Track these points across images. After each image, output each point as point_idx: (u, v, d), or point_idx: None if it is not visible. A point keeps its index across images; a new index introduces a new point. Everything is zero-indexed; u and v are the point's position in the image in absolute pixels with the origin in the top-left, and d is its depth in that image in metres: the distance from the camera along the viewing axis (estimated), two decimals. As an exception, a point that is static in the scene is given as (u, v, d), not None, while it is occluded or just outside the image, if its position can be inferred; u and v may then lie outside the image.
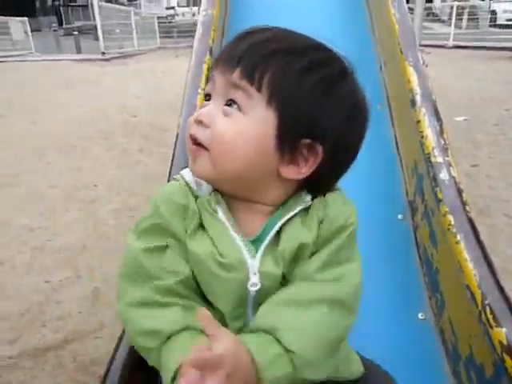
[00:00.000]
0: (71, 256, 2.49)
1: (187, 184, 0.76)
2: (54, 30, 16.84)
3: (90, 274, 2.32)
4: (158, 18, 18.30)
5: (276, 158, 0.69)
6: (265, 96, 0.67)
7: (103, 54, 12.71)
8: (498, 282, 0.95)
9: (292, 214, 0.72)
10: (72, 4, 33.16)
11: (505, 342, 0.84)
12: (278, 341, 0.65)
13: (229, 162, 0.68)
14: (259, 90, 0.67)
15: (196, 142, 0.70)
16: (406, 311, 1.28)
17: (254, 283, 0.70)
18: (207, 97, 0.73)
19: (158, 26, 17.23)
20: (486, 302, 0.92)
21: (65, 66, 10.99)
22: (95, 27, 13.75)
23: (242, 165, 0.68)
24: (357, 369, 0.82)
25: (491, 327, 0.88)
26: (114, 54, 13.11)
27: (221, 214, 0.72)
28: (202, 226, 0.73)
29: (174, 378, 0.64)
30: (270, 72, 0.67)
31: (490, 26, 16.56)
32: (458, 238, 1.08)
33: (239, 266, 0.70)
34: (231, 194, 0.74)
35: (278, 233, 0.72)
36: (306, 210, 0.74)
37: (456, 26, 13.87)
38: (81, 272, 2.34)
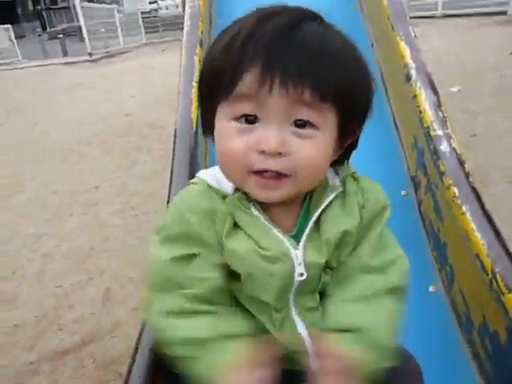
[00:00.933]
0: (80, 259, 2.51)
1: (210, 186, 0.74)
2: (39, 35, 16.73)
3: (99, 276, 2.34)
4: (142, 13, 18.08)
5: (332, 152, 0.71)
6: (331, 105, 0.65)
7: (90, 54, 12.61)
8: (506, 249, 0.96)
9: (327, 201, 0.73)
10: (54, 7, 32.82)
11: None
12: (366, 338, 0.69)
13: (315, 180, 0.70)
14: (326, 101, 0.64)
15: (274, 174, 0.66)
16: (416, 285, 1.28)
17: (301, 273, 0.71)
18: (247, 117, 0.66)
19: (143, 22, 17.03)
20: (497, 270, 0.93)
21: (53, 70, 10.91)
22: (79, 28, 13.64)
23: (322, 177, 0.71)
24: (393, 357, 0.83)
25: (503, 294, 0.90)
26: (100, 53, 13.01)
27: (255, 211, 0.72)
28: (237, 225, 0.72)
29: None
30: (335, 79, 0.64)
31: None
32: (464, 209, 1.08)
33: (284, 258, 0.70)
34: None
35: (316, 221, 0.73)
36: (339, 194, 0.75)
37: (443, -5, 13.70)
38: (91, 274, 2.36)
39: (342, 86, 0.64)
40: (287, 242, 0.71)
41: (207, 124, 0.74)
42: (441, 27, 10.18)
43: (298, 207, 0.74)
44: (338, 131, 0.68)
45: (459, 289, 1.17)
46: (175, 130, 1.36)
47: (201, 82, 0.73)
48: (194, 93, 1.45)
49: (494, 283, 0.92)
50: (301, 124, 0.64)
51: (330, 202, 0.73)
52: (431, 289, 1.27)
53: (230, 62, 0.64)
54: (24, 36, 24.87)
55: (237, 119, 0.66)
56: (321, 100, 0.63)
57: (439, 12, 12.57)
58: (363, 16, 2.02)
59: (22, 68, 12.00)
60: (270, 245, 0.70)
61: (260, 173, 0.66)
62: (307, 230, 0.72)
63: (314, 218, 0.72)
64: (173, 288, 0.71)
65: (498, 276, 0.92)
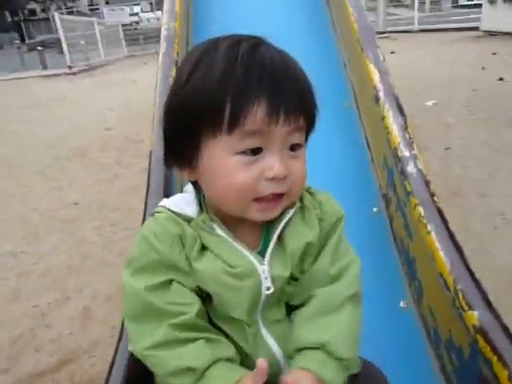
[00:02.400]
0: (58, 278, 2.49)
1: (174, 212, 0.76)
2: (18, 47, 16.53)
3: (78, 294, 2.32)
4: (123, 25, 18.09)
5: None
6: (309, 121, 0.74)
7: (70, 67, 12.53)
8: (468, 267, 1.01)
9: (288, 217, 0.77)
10: (33, 18, 32.53)
11: (477, 324, 0.89)
12: (329, 354, 0.72)
13: (300, 193, 0.78)
14: (308, 121, 0.74)
15: (276, 196, 0.71)
16: (388, 301, 1.33)
17: (268, 287, 0.74)
18: (253, 150, 0.68)
19: (124, 34, 17.04)
20: (458, 287, 0.97)
21: (32, 83, 10.82)
22: (59, 40, 13.53)
23: None
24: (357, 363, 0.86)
25: (464, 311, 0.94)
26: (80, 66, 12.93)
27: (219, 230, 0.74)
28: (204, 246, 0.74)
29: None
30: (314, 103, 0.74)
31: (453, 7, 16.87)
32: (429, 228, 1.13)
33: (251, 274, 0.73)
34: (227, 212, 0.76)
35: (279, 237, 0.77)
36: (298, 209, 0.79)
37: (419, 10, 14.07)
38: (68, 293, 2.34)
39: (314, 105, 0.74)
40: (253, 259, 0.74)
41: (176, 155, 0.75)
42: (417, 42, 10.44)
43: (260, 224, 0.77)
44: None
45: (427, 304, 1.21)
46: (150, 152, 1.38)
47: (180, 111, 0.71)
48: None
49: (457, 300, 0.96)
50: (293, 147, 0.71)
51: (290, 218, 0.77)
52: (402, 304, 1.31)
53: (232, 96, 0.66)
54: (1, 47, 24.59)
55: (241, 153, 0.68)
56: (307, 122, 0.72)
57: (415, 27, 12.90)
58: (337, 37, 2.08)
59: None
60: (236, 262, 0.73)
61: (262, 198, 0.70)
62: (271, 245, 0.76)
63: (277, 233, 0.76)
64: (155, 317, 0.71)
65: (459, 293, 0.96)
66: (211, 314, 0.78)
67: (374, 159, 1.64)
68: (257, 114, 0.65)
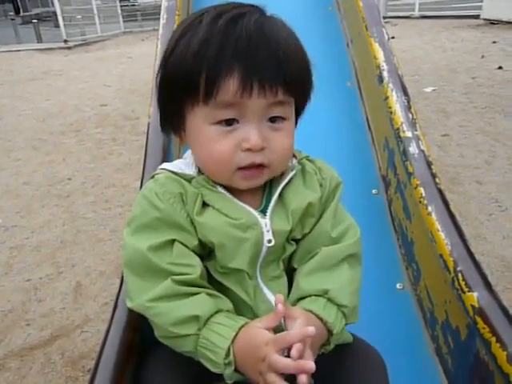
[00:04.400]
0: (50, 252, 2.47)
1: (174, 173, 0.79)
2: (12, 19, 16.17)
3: (70, 270, 2.30)
4: (121, 1, 17.72)
5: None
6: (293, 95, 0.74)
7: (65, 41, 12.28)
8: (468, 249, 1.00)
9: (288, 178, 0.80)
10: (28, -10, 31.76)
11: (476, 306, 0.89)
12: (330, 300, 0.76)
13: (286, 165, 0.79)
14: (292, 95, 0.74)
15: (256, 165, 0.73)
16: (384, 283, 1.33)
17: (270, 239, 0.76)
18: (228, 121, 0.71)
19: (121, 10, 16.70)
20: (458, 269, 0.97)
21: (26, 56, 10.60)
22: (55, 14, 13.24)
23: (289, 161, 0.81)
24: (348, 335, 0.86)
25: (464, 292, 0.93)
26: (76, 41, 12.68)
27: (220, 188, 0.77)
28: (205, 203, 0.77)
29: (227, 355, 0.68)
30: (299, 76, 0.74)
31: (454, -6, 16.68)
32: (430, 209, 1.12)
33: (253, 226, 0.76)
34: None
35: (280, 196, 0.80)
36: (299, 173, 0.83)
37: (421, -4, 13.89)
38: (61, 268, 2.32)
39: (301, 78, 0.74)
40: (254, 212, 0.77)
41: (169, 122, 0.80)
42: (418, 28, 10.34)
43: (261, 188, 0.81)
44: (294, 116, 0.78)
45: (425, 286, 1.21)
46: (148, 124, 1.35)
47: (165, 83, 0.75)
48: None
49: (456, 282, 0.96)
50: (274, 119, 0.72)
51: (291, 180, 0.81)
52: (398, 286, 1.30)
53: (207, 69, 0.68)
54: (-4, 20, 24.04)
55: (217, 123, 0.71)
56: (290, 96, 0.72)
57: (416, 13, 12.76)
58: (340, 16, 2.04)
59: (-7, 53, 11.61)
60: (239, 215, 0.76)
61: (245, 167, 0.73)
62: (272, 203, 0.79)
63: (277, 193, 0.79)
64: (159, 274, 0.73)
65: (459, 275, 0.96)
66: (212, 270, 0.79)
67: (374, 141, 1.62)
68: (230, 86, 0.68)
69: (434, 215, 1.09)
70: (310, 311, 0.74)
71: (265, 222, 0.77)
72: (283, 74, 0.69)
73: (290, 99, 0.73)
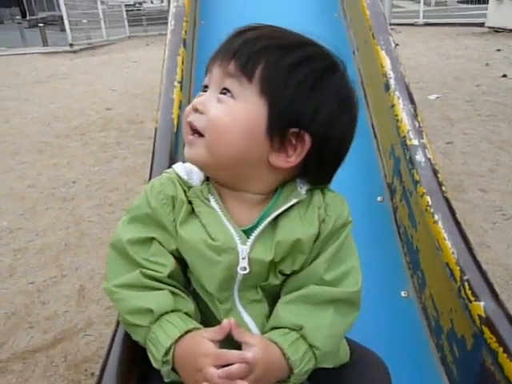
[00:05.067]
0: (54, 255, 2.47)
1: (178, 175, 0.80)
2: (18, 23, 16.28)
3: (74, 273, 2.30)
4: (126, 5, 17.85)
5: (266, 145, 0.73)
6: (256, 87, 0.72)
7: (71, 45, 12.35)
8: (475, 258, 1.00)
9: (287, 206, 0.76)
10: (35, -6, 31.99)
11: (483, 315, 0.89)
12: (303, 337, 0.72)
13: (222, 146, 0.72)
14: (251, 81, 0.72)
15: (193, 129, 0.75)
16: (389, 290, 1.32)
17: (243, 267, 0.75)
18: (205, 88, 0.77)
19: (127, 15, 16.80)
20: (465, 278, 0.96)
21: (32, 59, 10.67)
22: (61, 18, 13.32)
23: (234, 150, 0.72)
24: (345, 354, 0.86)
25: (470, 301, 0.93)
26: (82, 45, 12.75)
27: (213, 202, 0.76)
28: (194, 214, 0.77)
29: (166, 354, 0.70)
30: (261, 65, 0.72)
31: (459, 2, 16.74)
32: (436, 217, 1.12)
33: (229, 250, 0.74)
34: (223, 182, 0.78)
35: (275, 222, 0.76)
36: (303, 204, 0.78)
37: (425, 4, 13.95)
38: (65, 271, 2.32)
39: (267, 70, 0.71)
40: (236, 236, 0.75)
41: None
42: (422, 35, 10.37)
43: (260, 207, 0.78)
44: (267, 123, 0.72)
45: (430, 294, 1.20)
46: (156, 129, 1.35)
47: None
48: (175, 93, 1.45)
49: (463, 291, 0.96)
50: (223, 93, 0.73)
51: (291, 208, 0.77)
52: (403, 294, 1.30)
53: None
54: (2, 22, 24.25)
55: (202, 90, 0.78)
56: (242, 73, 0.72)
57: (420, 20, 12.80)
58: (346, 24, 2.04)
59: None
60: (218, 236, 0.75)
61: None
62: (261, 227, 0.76)
63: (269, 218, 0.76)
64: (130, 265, 0.77)
65: (466, 284, 0.95)
66: (191, 280, 0.81)
67: (379, 148, 1.62)
68: (212, 59, 0.77)
69: (440, 224, 1.09)
70: (276, 343, 0.71)
71: (242, 249, 0.74)
72: (243, 51, 0.73)
73: (242, 77, 0.72)
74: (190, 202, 0.78)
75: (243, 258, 0.74)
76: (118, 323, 0.87)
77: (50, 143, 4.37)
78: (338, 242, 0.78)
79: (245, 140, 0.72)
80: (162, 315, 0.73)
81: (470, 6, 15.09)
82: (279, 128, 0.72)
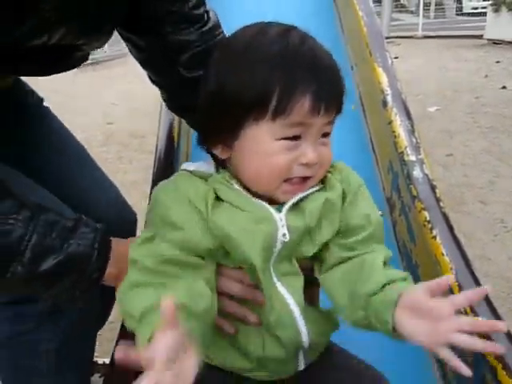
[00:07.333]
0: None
1: (192, 172, 0.79)
2: (22, 39, 16.45)
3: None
4: (128, 21, 18.03)
5: None
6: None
7: (74, 60, 12.48)
8: (473, 274, 1.00)
9: (310, 191, 0.77)
10: (38, 11, 32.39)
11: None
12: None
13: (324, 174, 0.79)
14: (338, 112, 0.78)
15: (302, 177, 0.75)
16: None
17: (284, 234, 0.75)
18: (294, 138, 0.73)
19: (129, 30, 16.98)
20: (463, 294, 0.97)
21: (35, 75, 10.77)
22: (64, 34, 13.44)
23: None
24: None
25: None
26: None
27: (237, 186, 0.77)
28: (220, 199, 0.76)
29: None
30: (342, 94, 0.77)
31: (457, 14, 16.94)
32: (434, 233, 1.13)
33: (268, 218, 0.75)
34: None
35: (295, 204, 0.77)
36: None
37: (424, 16, 14.09)
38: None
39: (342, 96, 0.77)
40: (269, 207, 0.76)
41: (215, 132, 0.78)
42: (421, 47, 10.46)
43: None
44: None
45: (429, 309, 1.20)
46: (156, 146, 1.37)
47: (223, 100, 0.75)
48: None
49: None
50: (325, 135, 0.76)
51: (312, 193, 0.78)
52: (403, 309, 1.30)
53: (281, 88, 0.70)
54: (6, 39, 24.47)
55: (283, 139, 0.72)
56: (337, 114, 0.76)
57: (419, 33, 12.91)
58: (344, 39, 2.08)
59: None
60: (253, 208, 0.75)
61: (290, 179, 0.75)
62: (288, 204, 0.76)
63: (294, 199, 0.76)
64: (132, 264, 0.75)
65: (464, 300, 0.96)
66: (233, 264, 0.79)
67: (378, 163, 1.63)
68: (302, 106, 0.70)
69: (438, 239, 1.10)
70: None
71: (280, 217, 0.75)
72: (340, 96, 0.75)
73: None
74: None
75: (282, 226, 0.75)
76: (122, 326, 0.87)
77: (52, 158, 4.40)
78: (366, 196, 0.82)
79: None
80: (140, 319, 0.69)
81: (468, 18, 15.27)
82: None
